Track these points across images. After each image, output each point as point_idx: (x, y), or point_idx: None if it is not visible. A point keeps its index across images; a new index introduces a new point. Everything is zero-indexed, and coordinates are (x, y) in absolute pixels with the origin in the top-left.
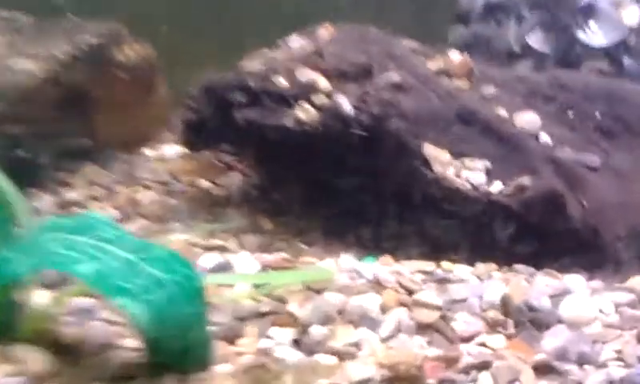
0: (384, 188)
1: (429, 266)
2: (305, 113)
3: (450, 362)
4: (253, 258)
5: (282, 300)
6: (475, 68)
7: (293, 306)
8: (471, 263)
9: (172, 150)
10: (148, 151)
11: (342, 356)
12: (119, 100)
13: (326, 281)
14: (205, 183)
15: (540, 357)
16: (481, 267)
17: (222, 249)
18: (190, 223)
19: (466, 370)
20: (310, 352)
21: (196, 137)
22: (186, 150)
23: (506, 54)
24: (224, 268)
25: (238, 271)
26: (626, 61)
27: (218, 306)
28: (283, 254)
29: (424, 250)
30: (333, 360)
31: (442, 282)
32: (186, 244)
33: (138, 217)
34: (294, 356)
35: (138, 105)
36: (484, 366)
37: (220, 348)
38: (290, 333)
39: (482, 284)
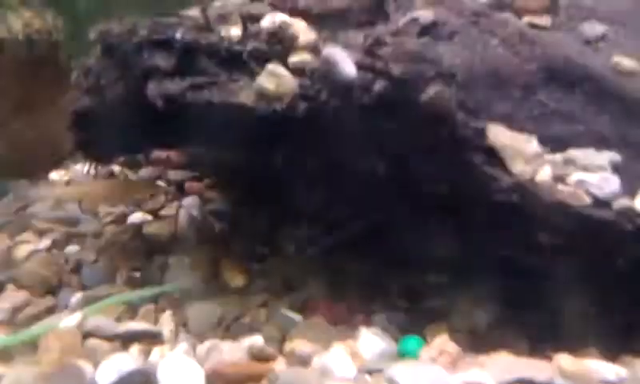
0: (422, 208)
1: (537, 368)
2: (274, 80)
3: None
4: (194, 358)
5: None
6: None
7: None
8: (614, 355)
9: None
10: (57, 174)
11: None
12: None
13: None
14: (137, 216)
15: None
16: None
17: (146, 338)
18: (100, 290)
19: None
20: None
21: (98, 139)
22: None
23: None
24: None
25: None
26: None
27: None
28: (257, 340)
29: (504, 319)
30: None
31: None
32: (75, 336)
33: (11, 286)
34: None
35: (39, 107)
36: None
37: None
38: None
39: None
